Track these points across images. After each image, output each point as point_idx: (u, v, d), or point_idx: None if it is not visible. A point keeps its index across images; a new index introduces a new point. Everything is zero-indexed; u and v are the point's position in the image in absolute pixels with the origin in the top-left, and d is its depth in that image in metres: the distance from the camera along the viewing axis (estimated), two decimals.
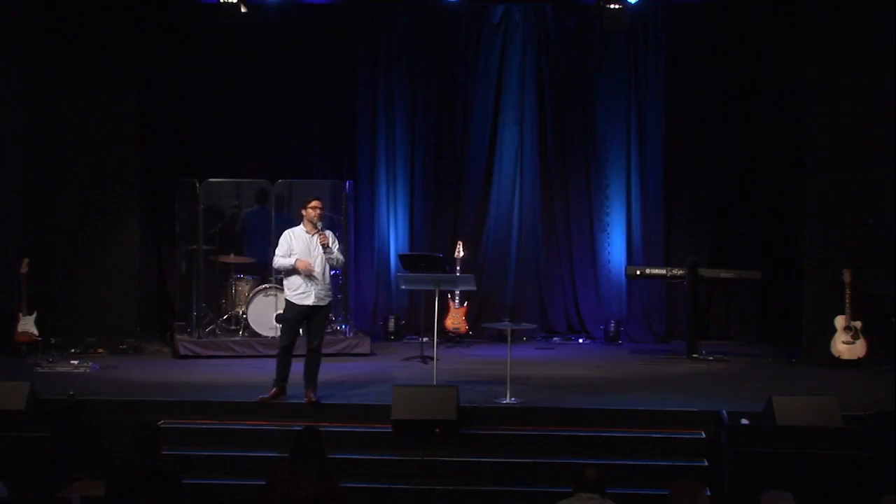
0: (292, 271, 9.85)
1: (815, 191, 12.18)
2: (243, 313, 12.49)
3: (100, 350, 12.43)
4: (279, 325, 10.74)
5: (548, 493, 7.93)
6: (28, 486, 8.25)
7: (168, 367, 11.82)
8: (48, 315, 12.26)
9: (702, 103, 13.55)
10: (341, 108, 13.79)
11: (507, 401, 9.85)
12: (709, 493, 8.36)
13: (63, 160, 12.62)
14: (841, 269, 11.62)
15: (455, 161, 13.84)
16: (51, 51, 12.59)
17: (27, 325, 12.05)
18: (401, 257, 11.97)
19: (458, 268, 12.86)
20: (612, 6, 12.24)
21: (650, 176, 13.63)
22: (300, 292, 9.84)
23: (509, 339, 10.44)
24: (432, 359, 10.60)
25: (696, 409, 9.62)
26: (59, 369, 11.43)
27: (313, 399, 9.78)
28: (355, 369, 11.56)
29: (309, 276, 9.79)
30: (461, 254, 13.03)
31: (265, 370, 10.70)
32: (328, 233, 10.03)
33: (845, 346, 11.66)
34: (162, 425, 9.42)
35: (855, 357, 11.63)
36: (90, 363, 11.67)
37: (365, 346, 12.50)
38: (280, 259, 9.94)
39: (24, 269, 12.07)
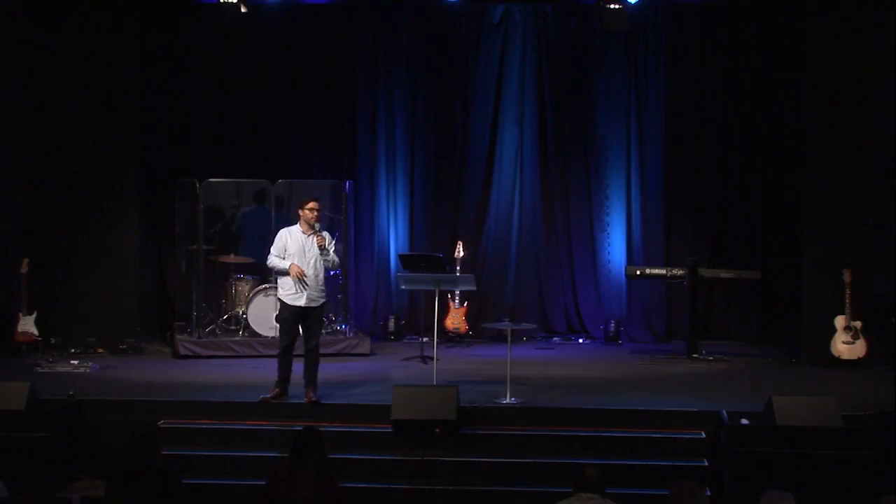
0: (285, 273, 9.86)
1: (815, 191, 12.18)
2: (243, 313, 12.49)
3: (100, 350, 12.44)
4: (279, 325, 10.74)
5: (548, 493, 7.93)
6: (28, 486, 8.25)
7: (168, 367, 11.82)
8: (48, 315, 12.26)
9: (702, 103, 13.55)
10: (341, 108, 13.78)
11: (507, 401, 9.84)
12: (709, 493, 8.38)
13: (63, 160, 12.62)
14: (841, 269, 11.61)
15: (455, 161, 13.84)
16: (51, 51, 12.59)
17: (27, 325, 12.04)
18: (401, 257, 11.96)
19: (458, 268, 12.86)
20: (612, 6, 12.24)
21: (650, 176, 13.63)
22: (292, 293, 9.84)
23: (509, 339, 10.43)
24: (432, 359, 10.60)
25: (696, 409, 9.62)
26: (59, 369, 11.43)
27: (313, 399, 9.78)
28: (355, 369, 11.56)
29: (300, 279, 9.81)
30: (461, 254, 13.03)
31: (265, 370, 10.71)
32: (325, 234, 10.03)
33: (845, 346, 11.66)
34: (162, 425, 9.43)
35: (855, 357, 11.63)
36: (90, 363, 11.67)
37: (365, 346, 12.50)
38: (274, 259, 9.95)
39: (24, 269, 12.07)
